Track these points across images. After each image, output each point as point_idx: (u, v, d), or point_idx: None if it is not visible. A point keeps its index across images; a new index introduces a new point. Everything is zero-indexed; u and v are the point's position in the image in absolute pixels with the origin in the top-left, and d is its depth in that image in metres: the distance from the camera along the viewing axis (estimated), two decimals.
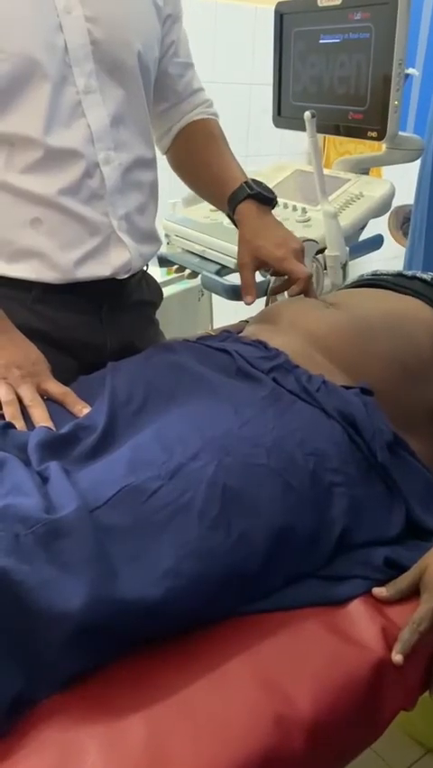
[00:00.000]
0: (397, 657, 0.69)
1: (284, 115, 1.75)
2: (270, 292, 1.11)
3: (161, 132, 1.25)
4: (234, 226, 1.56)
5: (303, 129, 1.38)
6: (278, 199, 1.63)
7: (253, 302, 1.10)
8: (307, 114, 1.35)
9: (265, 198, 1.15)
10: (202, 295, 2.10)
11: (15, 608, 0.61)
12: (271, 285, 1.26)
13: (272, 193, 1.16)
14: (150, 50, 1.04)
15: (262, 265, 1.13)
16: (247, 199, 1.14)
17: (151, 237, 1.14)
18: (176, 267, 1.73)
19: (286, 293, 1.42)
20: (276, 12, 1.68)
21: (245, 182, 1.15)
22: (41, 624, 0.61)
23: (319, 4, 1.53)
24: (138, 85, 1.03)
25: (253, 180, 1.16)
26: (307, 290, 1.09)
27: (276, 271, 1.13)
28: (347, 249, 1.44)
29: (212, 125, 1.26)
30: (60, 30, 0.91)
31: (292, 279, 1.09)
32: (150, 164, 1.11)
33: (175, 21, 1.13)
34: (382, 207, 1.56)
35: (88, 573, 0.63)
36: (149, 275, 1.22)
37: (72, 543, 0.64)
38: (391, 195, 1.56)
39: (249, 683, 0.66)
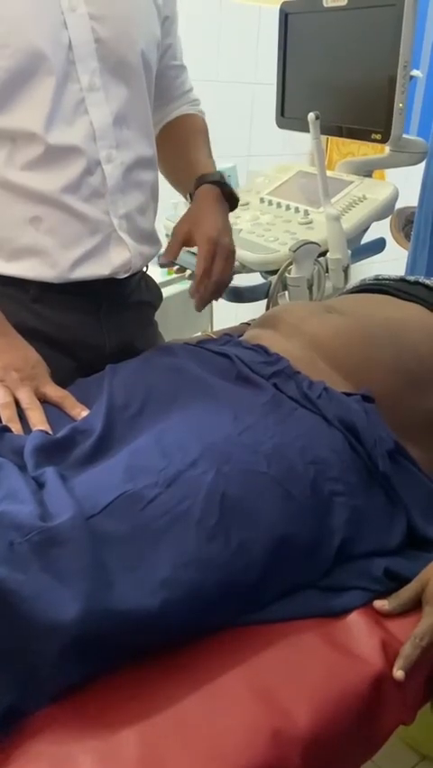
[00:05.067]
0: (399, 673, 0.68)
1: (288, 116, 1.74)
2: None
3: None
4: (234, 227, 1.55)
5: (306, 130, 1.37)
6: (280, 201, 1.63)
7: (166, 263, 1.05)
8: (310, 116, 1.33)
9: (230, 194, 1.13)
10: None
11: (8, 617, 0.60)
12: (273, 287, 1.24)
13: (237, 197, 1.16)
14: (152, 49, 1.04)
15: (190, 242, 1.08)
16: (215, 184, 1.12)
17: (151, 238, 1.13)
18: (176, 267, 1.72)
19: (287, 295, 1.42)
20: (281, 11, 1.66)
21: (220, 173, 1.14)
22: (34, 634, 0.60)
23: (325, 4, 1.51)
24: (141, 84, 1.03)
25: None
26: (197, 288, 1.04)
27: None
28: (349, 252, 1.43)
29: (198, 121, 1.26)
30: (65, 27, 0.91)
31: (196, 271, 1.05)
32: (151, 164, 1.10)
33: (172, 23, 1.13)
34: (384, 210, 1.55)
35: (84, 583, 0.61)
36: (148, 276, 1.21)
37: (67, 552, 0.63)
38: (395, 198, 1.55)
39: (246, 697, 0.65)
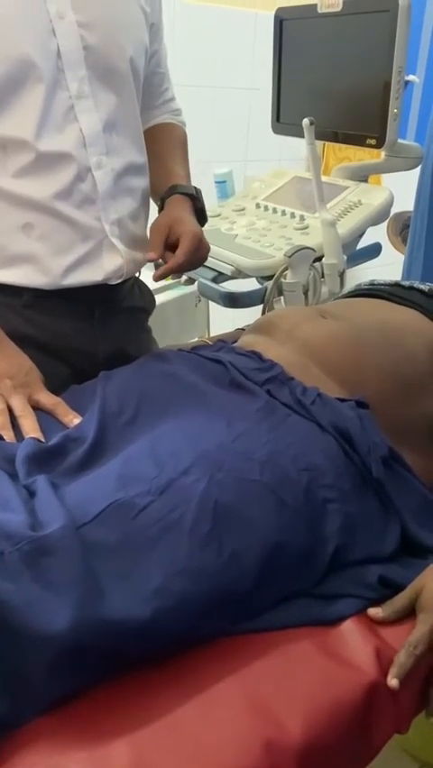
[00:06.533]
0: (393, 682, 0.68)
1: (283, 122, 1.74)
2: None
3: None
4: (230, 232, 1.56)
5: (302, 135, 1.37)
6: (276, 206, 1.63)
7: (154, 258, 1.04)
8: (305, 122, 1.34)
9: (201, 210, 1.14)
10: (199, 301, 2.09)
11: None
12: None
13: (206, 216, 1.17)
14: (140, 56, 1.05)
15: (170, 238, 1.07)
16: (188, 197, 1.13)
17: (143, 244, 1.13)
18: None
19: (283, 301, 1.42)
20: (276, 17, 1.67)
21: (195, 188, 1.15)
22: (25, 644, 0.60)
23: (319, 10, 1.52)
24: (130, 91, 1.03)
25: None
26: (167, 271, 1.03)
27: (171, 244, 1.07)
28: (345, 257, 1.43)
29: (178, 132, 1.26)
30: (53, 34, 0.91)
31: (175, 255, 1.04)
32: (142, 170, 1.11)
33: (158, 29, 1.13)
34: (380, 215, 1.55)
35: (75, 593, 0.61)
36: (141, 281, 1.22)
37: (58, 561, 0.62)
38: (390, 203, 1.55)
39: (239, 706, 0.65)
